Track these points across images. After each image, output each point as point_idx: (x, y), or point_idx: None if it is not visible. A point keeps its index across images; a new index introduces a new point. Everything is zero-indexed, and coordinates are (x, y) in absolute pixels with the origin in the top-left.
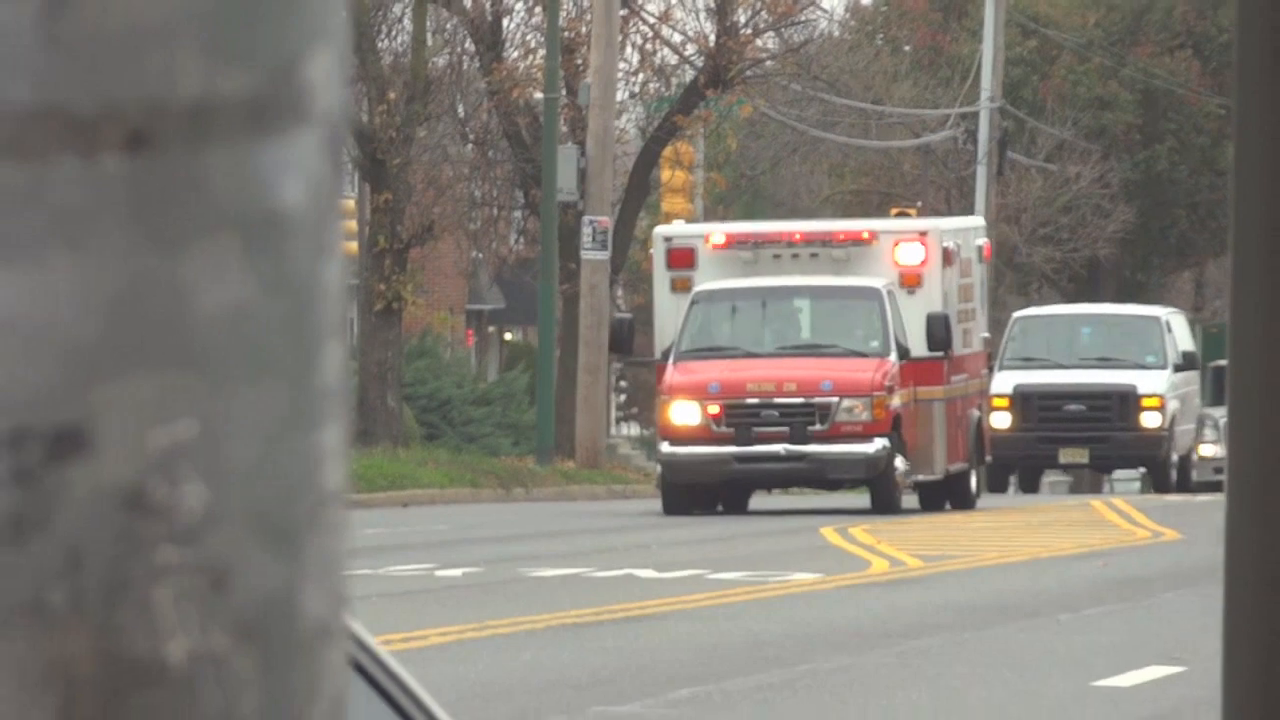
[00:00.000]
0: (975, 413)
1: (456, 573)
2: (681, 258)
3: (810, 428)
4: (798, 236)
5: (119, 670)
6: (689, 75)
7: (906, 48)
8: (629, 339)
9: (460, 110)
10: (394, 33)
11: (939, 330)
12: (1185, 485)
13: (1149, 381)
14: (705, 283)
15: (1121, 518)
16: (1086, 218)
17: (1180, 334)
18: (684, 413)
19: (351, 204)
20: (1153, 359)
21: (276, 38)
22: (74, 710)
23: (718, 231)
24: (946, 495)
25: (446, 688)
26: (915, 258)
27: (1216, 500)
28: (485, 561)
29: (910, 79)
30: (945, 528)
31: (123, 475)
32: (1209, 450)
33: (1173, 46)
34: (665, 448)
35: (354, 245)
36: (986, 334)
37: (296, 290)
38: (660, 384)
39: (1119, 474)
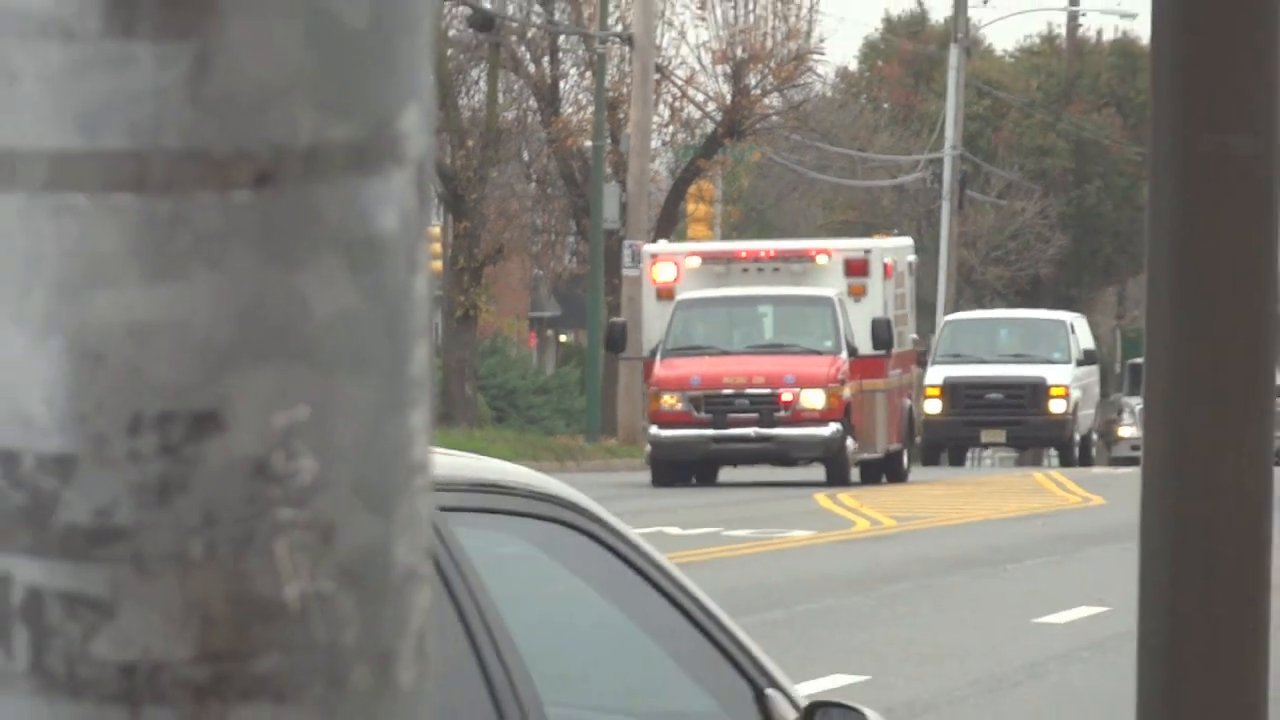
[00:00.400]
0: (907, 401)
1: None
2: (666, 271)
3: (776, 414)
4: (763, 254)
5: (246, 607)
6: (710, 127)
7: (885, 105)
8: (621, 339)
9: (525, 155)
10: (471, 92)
11: (882, 332)
12: (1087, 460)
13: (1056, 374)
14: (686, 292)
15: (1057, 486)
16: (1030, 243)
17: (1082, 335)
18: (671, 401)
19: (437, 230)
20: (1059, 355)
21: (376, 96)
22: (209, 639)
23: (697, 249)
24: (884, 470)
25: None
26: (861, 271)
27: (1134, 473)
28: None
29: (888, 131)
30: (915, 495)
31: (249, 450)
32: (1127, 432)
33: (1100, 105)
34: (654, 430)
35: (439, 264)
36: (915, 335)
37: (391, 299)
38: (649, 377)
39: (1054, 450)
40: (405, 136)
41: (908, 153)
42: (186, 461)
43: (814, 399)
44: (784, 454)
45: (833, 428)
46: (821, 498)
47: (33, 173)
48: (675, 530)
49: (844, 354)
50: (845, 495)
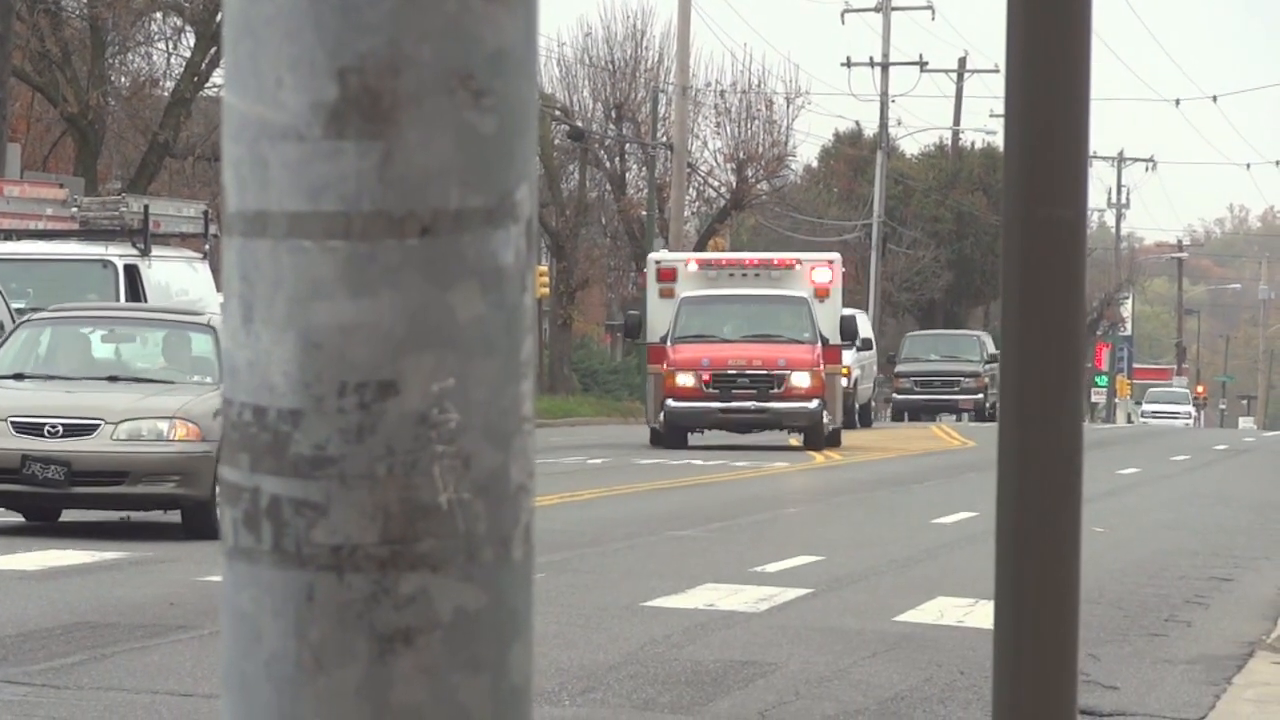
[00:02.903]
0: (845, 381)
1: (598, 461)
2: (666, 275)
3: (771, 390)
4: (747, 263)
5: (413, 509)
6: (722, 203)
7: (835, 189)
8: (637, 328)
9: (603, 220)
10: (568, 180)
11: (849, 327)
12: (867, 423)
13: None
14: (686, 292)
15: (945, 435)
16: (928, 278)
17: (863, 326)
18: (684, 379)
19: (544, 267)
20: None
21: (500, 177)
22: (389, 529)
23: (693, 257)
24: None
25: (591, 522)
26: (825, 278)
27: (993, 426)
28: (613, 456)
29: (837, 206)
30: (856, 440)
31: (416, 406)
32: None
33: (972, 190)
34: (670, 403)
35: (546, 290)
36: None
37: (509, 308)
38: (661, 360)
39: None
40: (519, 204)
41: (850, 220)
42: (375, 414)
43: (801, 380)
44: (777, 422)
45: (815, 402)
46: (794, 440)
47: (277, 226)
48: (699, 462)
49: (819, 344)
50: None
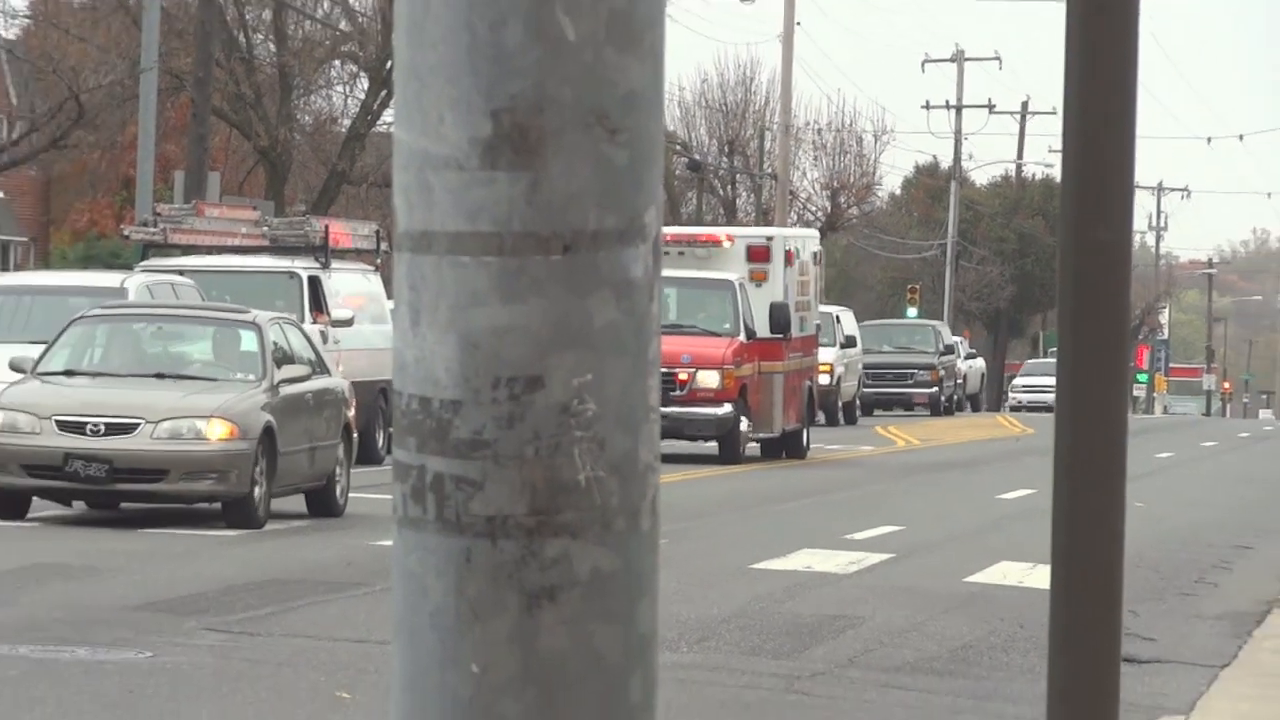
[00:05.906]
0: (808, 383)
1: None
2: None
3: (671, 393)
4: (667, 238)
5: (556, 485)
6: (818, 225)
7: (915, 214)
8: None
9: None
10: (687, 204)
11: (780, 316)
12: (851, 420)
13: (823, 355)
14: None
15: (1008, 423)
16: (995, 290)
17: (847, 324)
18: None
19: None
20: (825, 340)
21: (631, 202)
22: (535, 502)
23: None
24: (783, 448)
25: (705, 497)
26: (762, 259)
27: (1051, 416)
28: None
29: (917, 229)
30: (934, 426)
31: (559, 398)
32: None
33: (1033, 214)
34: None
35: None
36: (819, 322)
37: (638, 315)
38: None
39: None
40: (648, 225)
41: (928, 240)
42: (524, 404)
43: (709, 379)
44: (678, 431)
45: (726, 408)
46: (879, 428)
47: (440, 244)
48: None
49: (742, 336)
50: (893, 427)
